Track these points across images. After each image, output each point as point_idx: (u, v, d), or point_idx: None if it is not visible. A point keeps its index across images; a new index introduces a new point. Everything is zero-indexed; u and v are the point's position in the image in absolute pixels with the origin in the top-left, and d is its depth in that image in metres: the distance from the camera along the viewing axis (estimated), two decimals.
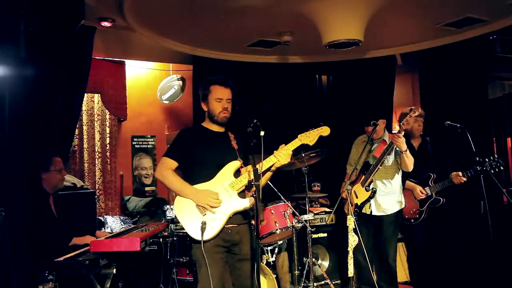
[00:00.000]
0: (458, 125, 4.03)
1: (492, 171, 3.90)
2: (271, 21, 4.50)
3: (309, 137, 3.06)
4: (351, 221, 3.20)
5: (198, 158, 3.05)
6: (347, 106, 6.21)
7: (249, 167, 2.96)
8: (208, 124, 3.16)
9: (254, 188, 2.76)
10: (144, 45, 5.43)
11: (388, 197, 4.17)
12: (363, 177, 4.06)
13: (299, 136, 3.08)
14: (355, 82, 6.44)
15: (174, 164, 3.05)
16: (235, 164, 3.05)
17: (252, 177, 2.81)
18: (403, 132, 3.91)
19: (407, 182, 4.48)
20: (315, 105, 6.28)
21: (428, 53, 5.72)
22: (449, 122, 4.13)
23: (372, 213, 4.14)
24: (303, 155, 3.94)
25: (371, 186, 4.01)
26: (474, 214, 4.64)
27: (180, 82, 5.92)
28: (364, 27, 4.27)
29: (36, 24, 2.94)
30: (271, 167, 3.03)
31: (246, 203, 3.00)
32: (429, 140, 4.65)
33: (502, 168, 4.03)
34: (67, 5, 3.71)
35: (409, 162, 4.00)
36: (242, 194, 3.06)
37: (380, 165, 4.00)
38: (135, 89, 5.96)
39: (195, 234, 2.91)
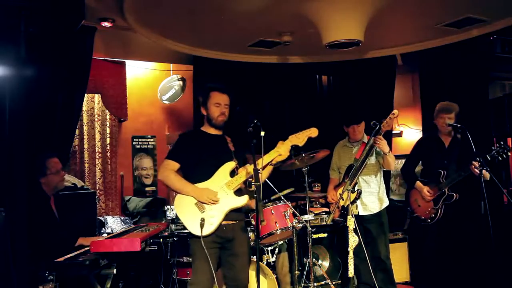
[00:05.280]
0: (459, 125, 4.02)
1: (500, 158, 3.81)
2: (271, 21, 4.50)
3: (299, 138, 3.28)
4: (351, 221, 3.20)
5: (196, 160, 3.28)
6: (347, 106, 6.20)
7: (247, 167, 3.20)
8: (206, 128, 3.39)
9: (254, 187, 2.92)
10: (144, 45, 5.42)
11: (373, 196, 4.23)
12: (348, 180, 4.07)
13: (289, 137, 3.30)
14: (355, 82, 6.44)
15: (175, 165, 3.28)
16: (230, 164, 3.27)
17: (250, 174, 2.97)
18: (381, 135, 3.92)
19: (417, 183, 4.39)
20: (315, 105, 6.27)
21: (428, 53, 5.71)
22: (449, 122, 4.12)
23: (360, 214, 4.15)
24: (303, 155, 3.93)
25: (356, 188, 4.02)
26: (474, 214, 4.63)
27: (181, 82, 5.92)
28: (364, 27, 4.26)
29: (36, 25, 2.94)
30: (271, 161, 3.25)
31: (241, 201, 3.23)
32: (460, 137, 4.32)
33: (509, 154, 3.82)
34: (67, 6, 3.72)
35: (392, 161, 4.09)
36: (238, 193, 3.26)
37: (364, 167, 4.04)
38: (136, 89, 5.95)
39: (195, 229, 3.12)
